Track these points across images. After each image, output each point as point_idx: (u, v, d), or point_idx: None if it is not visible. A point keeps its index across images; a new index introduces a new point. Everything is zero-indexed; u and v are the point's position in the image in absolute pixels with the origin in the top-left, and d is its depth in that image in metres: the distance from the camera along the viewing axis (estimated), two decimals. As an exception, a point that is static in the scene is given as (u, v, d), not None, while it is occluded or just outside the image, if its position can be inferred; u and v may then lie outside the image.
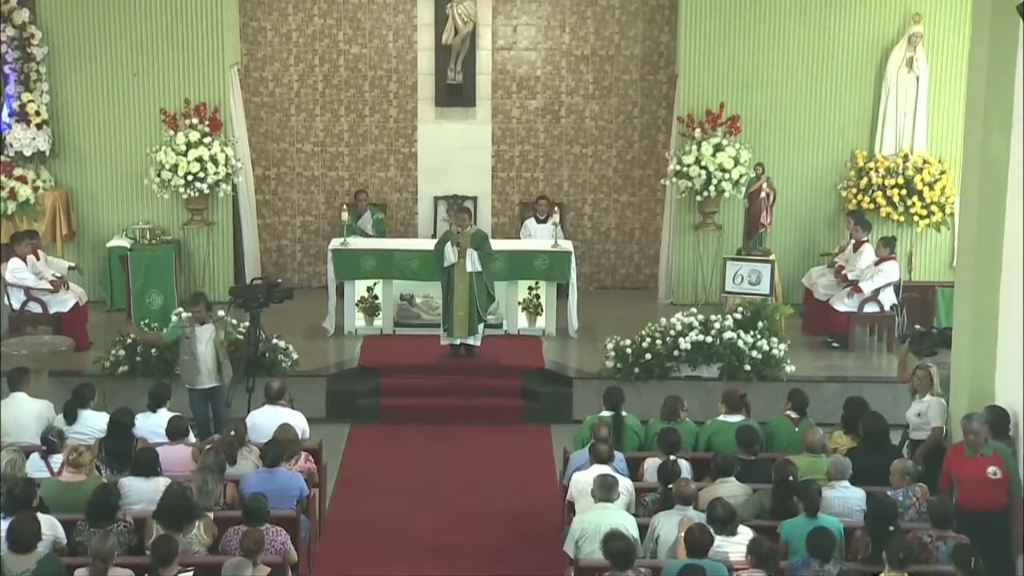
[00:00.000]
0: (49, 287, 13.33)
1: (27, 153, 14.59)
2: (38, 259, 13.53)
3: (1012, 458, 8.89)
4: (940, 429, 9.90)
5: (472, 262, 12.80)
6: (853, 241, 14.07)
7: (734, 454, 9.21)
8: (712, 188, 14.69)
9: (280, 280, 13.15)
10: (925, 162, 14.82)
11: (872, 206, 14.78)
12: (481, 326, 13.04)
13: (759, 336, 12.70)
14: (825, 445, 9.50)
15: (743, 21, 14.81)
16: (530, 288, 14.14)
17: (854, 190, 14.93)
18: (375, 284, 14.09)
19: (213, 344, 11.29)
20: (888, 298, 13.64)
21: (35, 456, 9.37)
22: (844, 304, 13.69)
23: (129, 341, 12.55)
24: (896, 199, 14.72)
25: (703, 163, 14.67)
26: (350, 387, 12.93)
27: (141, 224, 14.93)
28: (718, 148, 14.68)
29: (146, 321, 12.88)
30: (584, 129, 16.06)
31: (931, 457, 9.69)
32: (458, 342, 13.06)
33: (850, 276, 13.79)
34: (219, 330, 11.43)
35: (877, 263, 13.63)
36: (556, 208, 15.03)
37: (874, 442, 9.47)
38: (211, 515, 8.48)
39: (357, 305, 14.09)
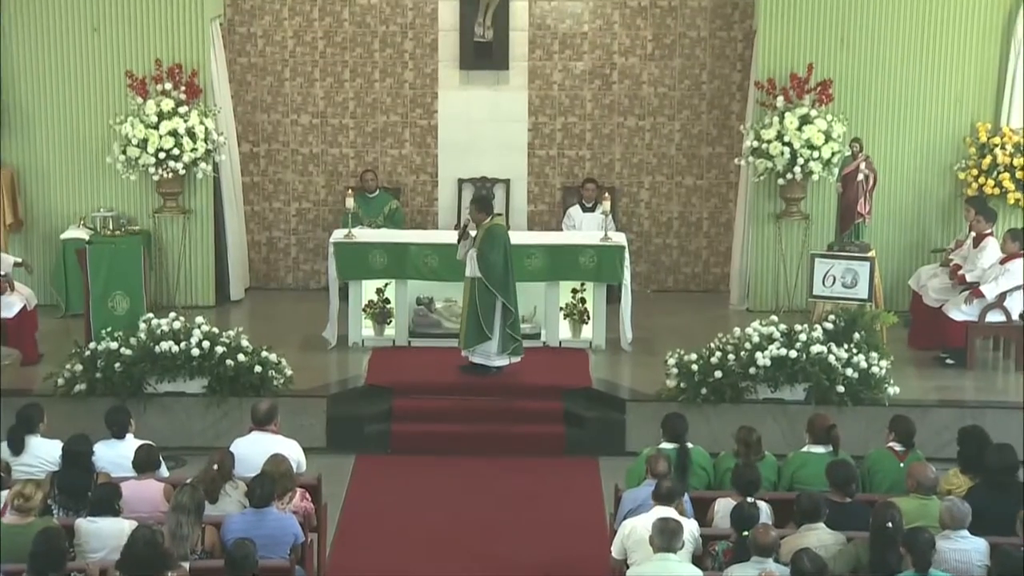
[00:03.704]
0: (-9, 288, 13.44)
1: (-36, 126, 14.76)
2: (-22, 254, 13.64)
3: None
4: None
5: (471, 265, 12.83)
6: (973, 234, 13.99)
7: (823, 495, 9.17)
8: (798, 169, 14.64)
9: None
10: (1063, 137, 14.76)
11: (997, 191, 14.70)
12: (489, 345, 12.90)
13: (855, 351, 12.64)
14: (937, 485, 9.43)
15: (837, -36, 14.82)
16: (574, 291, 14.13)
17: (975, 172, 14.85)
18: (386, 285, 14.13)
19: None
20: (1016, 305, 13.55)
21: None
22: (961, 312, 13.61)
23: (88, 354, 12.64)
24: (1027, 182, 14.68)
25: (786, 139, 14.62)
26: (355, 410, 12.96)
27: (103, 211, 15.03)
28: (805, 120, 14.63)
29: (109, 330, 12.95)
30: (641, 97, 16.04)
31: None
32: (475, 359, 13.09)
33: (969, 277, 13.70)
34: None
35: (1003, 261, 13.55)
36: (606, 194, 15.01)
37: (996, 481, 9.40)
38: (186, 565, 8.50)
39: (364, 310, 14.14)
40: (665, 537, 8.44)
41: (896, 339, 13.82)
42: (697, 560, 8.82)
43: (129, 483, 9.46)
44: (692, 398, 12.55)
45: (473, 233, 12.91)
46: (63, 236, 14.95)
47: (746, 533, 8.61)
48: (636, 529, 8.93)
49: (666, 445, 10.11)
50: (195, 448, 12.14)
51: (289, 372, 12.88)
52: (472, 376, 13.14)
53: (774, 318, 13.05)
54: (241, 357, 12.64)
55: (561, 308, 14.14)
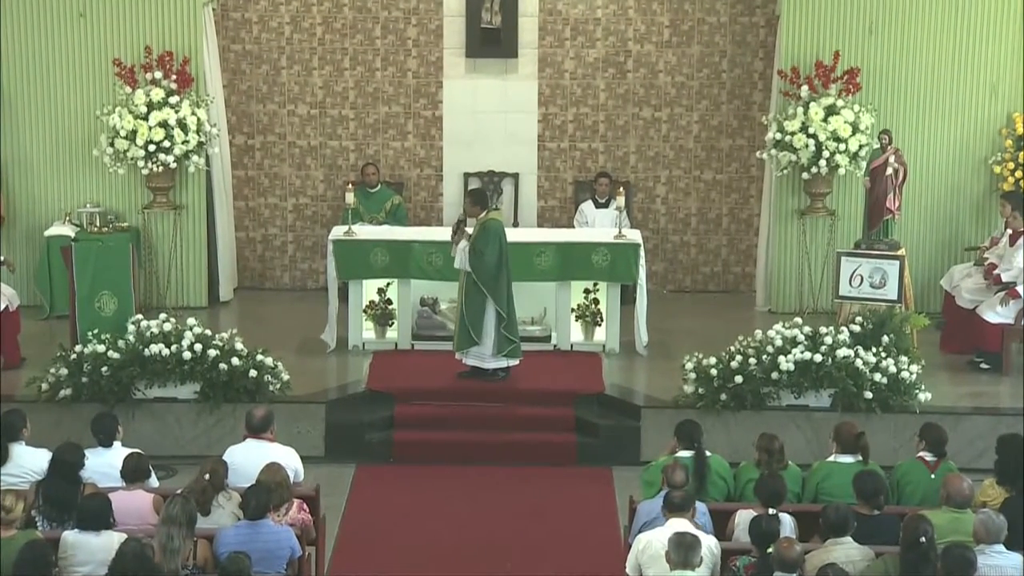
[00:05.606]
0: (-29, 288, 13.48)
1: (-56, 117, 14.80)
2: (-43, 252, 13.68)
3: None
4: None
5: (461, 257, 12.86)
6: (1009, 231, 13.97)
7: (851, 507, 9.18)
8: (823, 163, 14.65)
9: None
10: (1105, 128, 14.75)
11: (1034, 186, 14.71)
12: (482, 347, 12.95)
13: (884, 355, 12.65)
14: (971, 497, 9.43)
15: (865, -55, 14.82)
16: (587, 291, 14.13)
17: (1011, 165, 14.85)
18: (388, 285, 14.14)
19: None
20: (1055, 306, 13.56)
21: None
22: (997, 313, 13.59)
23: (73, 357, 12.66)
24: (1067, 177, 14.69)
25: (811, 130, 14.63)
26: (356, 417, 12.98)
27: (89, 207, 15.06)
28: (831, 111, 14.63)
29: (95, 332, 12.97)
30: (657, 87, 16.05)
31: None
32: (469, 360, 13.12)
33: (1005, 277, 13.69)
34: None
35: (1040, 260, 13.56)
36: (621, 188, 15.00)
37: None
38: (177, 580, 8.54)
39: (365, 312, 14.15)
40: (681, 552, 8.43)
41: (927, 342, 13.81)
42: (716, 576, 8.85)
43: (117, 494, 9.46)
44: (711, 404, 12.56)
45: (469, 230, 12.92)
46: (47, 233, 14.97)
47: (769, 548, 8.61)
48: (652, 544, 8.92)
49: (683, 453, 10.12)
50: (186, 457, 12.16)
51: (286, 377, 12.89)
52: (476, 381, 13.15)
53: (798, 320, 13.05)
54: (235, 361, 12.66)
55: (573, 309, 14.14)
